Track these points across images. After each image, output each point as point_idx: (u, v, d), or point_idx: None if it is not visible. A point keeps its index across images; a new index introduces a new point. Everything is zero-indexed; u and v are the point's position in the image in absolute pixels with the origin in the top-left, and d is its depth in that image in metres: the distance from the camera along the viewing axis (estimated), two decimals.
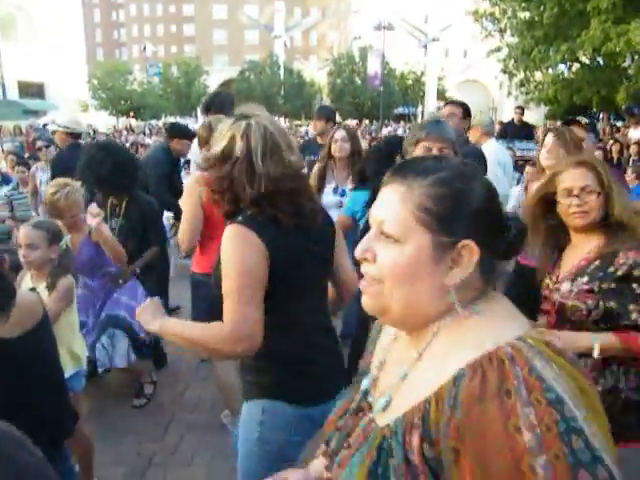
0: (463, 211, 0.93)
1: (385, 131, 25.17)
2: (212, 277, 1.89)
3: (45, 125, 19.06)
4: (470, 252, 0.93)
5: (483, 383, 0.83)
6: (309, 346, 1.93)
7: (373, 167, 3.60)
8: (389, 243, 0.96)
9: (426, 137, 2.61)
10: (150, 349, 4.09)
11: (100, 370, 3.78)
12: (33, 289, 2.60)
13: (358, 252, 1.00)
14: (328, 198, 4.43)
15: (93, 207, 3.52)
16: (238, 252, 1.75)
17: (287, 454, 1.94)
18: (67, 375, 2.91)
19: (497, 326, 0.93)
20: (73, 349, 3.01)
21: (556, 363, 0.84)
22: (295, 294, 1.86)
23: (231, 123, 1.84)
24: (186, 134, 5.45)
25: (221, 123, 1.90)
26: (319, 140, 5.48)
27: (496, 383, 0.82)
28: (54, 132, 6.01)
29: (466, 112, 4.25)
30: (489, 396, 0.82)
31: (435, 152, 2.55)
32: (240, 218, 1.80)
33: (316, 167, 4.58)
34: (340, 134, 4.42)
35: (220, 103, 4.32)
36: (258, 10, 68.42)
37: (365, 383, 1.13)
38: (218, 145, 1.83)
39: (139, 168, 4.14)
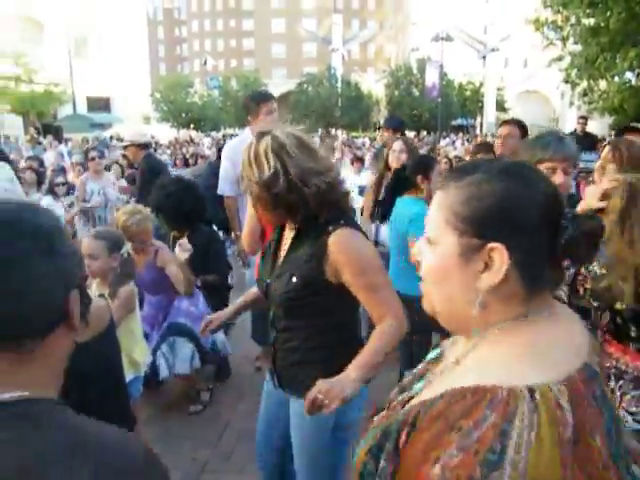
0: (493, 213, 0.90)
1: (443, 142, 24.89)
2: (307, 284, 1.96)
3: (111, 137, 19.76)
4: (500, 255, 0.88)
5: (447, 408, 0.83)
6: (359, 329, 2.18)
7: (386, 196, 3.78)
8: (429, 246, 0.99)
9: (551, 157, 2.40)
10: (214, 355, 4.14)
11: (163, 377, 3.85)
12: (102, 295, 2.67)
13: (415, 254, 1.04)
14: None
15: (185, 242, 3.76)
16: (363, 251, 1.95)
17: (354, 433, 2.04)
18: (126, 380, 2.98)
19: (520, 360, 0.88)
20: (133, 355, 3.08)
21: (540, 434, 0.77)
22: None
23: (253, 147, 1.95)
24: None
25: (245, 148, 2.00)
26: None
27: (456, 415, 0.82)
28: (125, 148, 6.18)
29: (523, 130, 4.13)
30: (441, 419, 0.83)
31: (559, 172, 2.38)
32: (342, 221, 1.95)
33: (372, 180, 4.70)
34: (398, 145, 4.45)
35: None
36: (316, 23, 69.15)
37: (429, 356, 1.15)
38: (253, 171, 1.93)
39: (202, 205, 4.24)
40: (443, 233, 0.95)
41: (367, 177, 6.76)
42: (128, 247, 3.15)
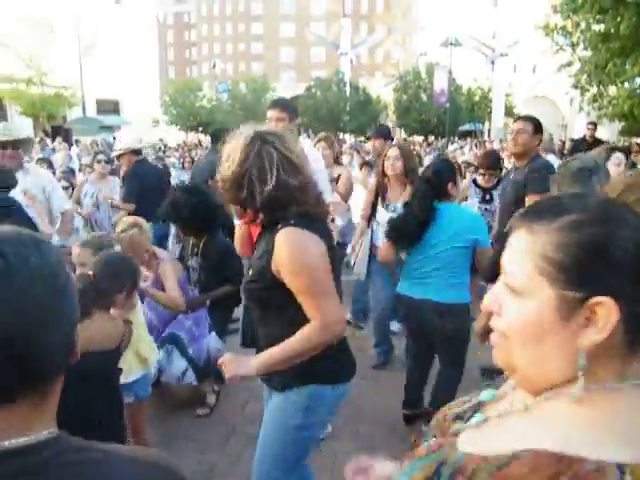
0: (597, 261, 0.78)
1: (451, 147, 24.83)
2: (257, 280, 2.03)
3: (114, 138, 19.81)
4: (607, 311, 0.77)
5: (522, 475, 0.75)
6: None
7: (420, 201, 3.50)
8: (513, 296, 0.86)
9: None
10: (209, 369, 4.09)
11: (169, 381, 3.87)
12: (127, 321, 2.64)
13: (487, 303, 0.92)
14: (380, 214, 4.53)
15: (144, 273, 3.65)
16: (302, 251, 1.92)
17: (317, 433, 2.25)
18: (133, 378, 2.98)
19: (610, 431, 0.77)
20: (140, 352, 3.06)
21: None
22: (336, 285, 2.03)
23: (237, 145, 1.97)
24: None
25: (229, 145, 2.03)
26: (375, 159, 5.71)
27: None
28: (119, 157, 6.14)
29: (537, 127, 4.14)
30: None
31: None
32: (291, 220, 1.93)
33: (371, 184, 4.74)
34: (393, 152, 4.43)
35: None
36: (325, 28, 69.33)
37: (484, 395, 1.03)
38: (224, 166, 1.97)
39: (218, 211, 4.23)
40: (536, 284, 0.83)
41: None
42: (117, 250, 3.17)
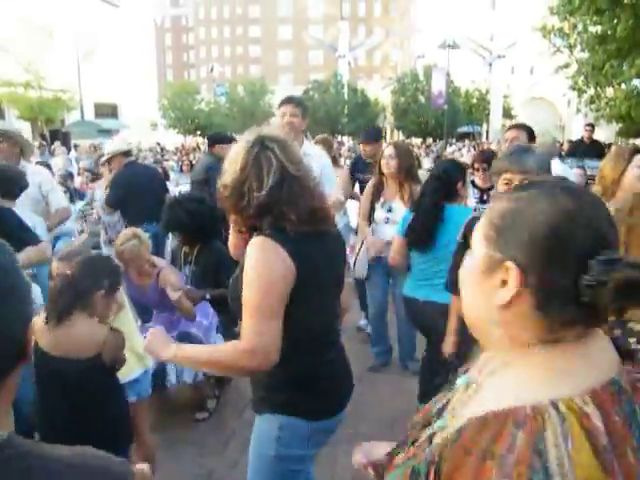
0: (518, 230, 0.87)
1: (450, 150, 24.87)
2: (229, 288, 1.91)
3: None
4: (513, 275, 0.86)
5: (474, 437, 0.81)
6: (320, 364, 1.93)
7: (430, 199, 3.53)
8: (469, 251, 1.00)
9: (507, 169, 2.50)
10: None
11: (168, 385, 3.87)
12: (113, 329, 2.61)
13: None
14: (378, 213, 4.57)
15: (174, 281, 3.72)
16: (264, 265, 1.73)
17: (301, 467, 2.00)
18: (133, 377, 3.01)
19: (538, 378, 0.85)
20: (136, 349, 3.06)
21: (576, 445, 0.75)
22: (312, 310, 1.84)
23: (238, 150, 1.86)
24: (225, 139, 6.35)
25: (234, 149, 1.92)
26: (369, 161, 5.66)
27: (486, 441, 0.79)
28: (110, 160, 6.04)
29: (530, 135, 4.13)
30: (474, 451, 0.80)
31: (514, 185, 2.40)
32: (267, 230, 1.79)
33: (369, 183, 4.73)
34: (388, 151, 4.45)
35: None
36: (322, 30, 69.41)
37: (458, 382, 1.07)
38: (231, 174, 1.84)
39: (217, 219, 4.20)
40: (478, 241, 0.95)
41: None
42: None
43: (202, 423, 4.02)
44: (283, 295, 1.74)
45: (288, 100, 4.05)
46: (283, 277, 1.73)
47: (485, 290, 0.92)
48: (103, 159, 6.26)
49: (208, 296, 4.07)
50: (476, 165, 5.55)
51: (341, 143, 33.76)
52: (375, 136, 5.73)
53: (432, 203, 3.51)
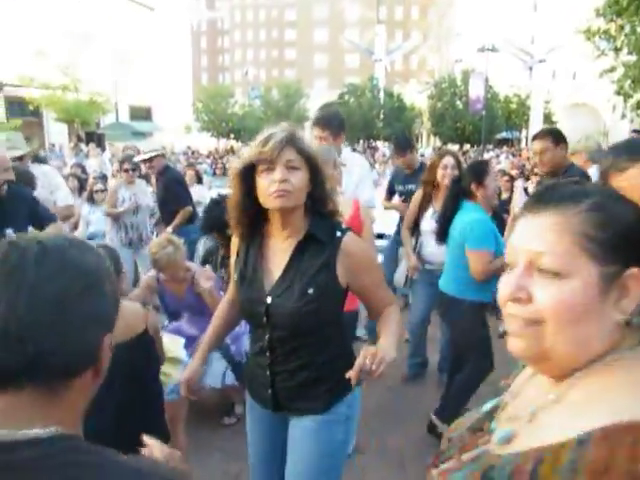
0: (623, 236, 0.85)
1: (487, 156, 24.60)
2: (317, 298, 1.96)
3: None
4: (637, 281, 0.84)
5: (610, 459, 0.74)
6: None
7: (446, 200, 3.86)
8: (548, 279, 0.87)
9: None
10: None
11: (200, 388, 3.86)
12: (145, 304, 2.72)
13: (508, 292, 0.91)
14: (426, 223, 4.52)
15: (208, 271, 3.82)
16: (370, 250, 2.21)
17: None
18: (176, 381, 3.03)
19: (629, 389, 0.81)
20: (169, 352, 3.08)
21: None
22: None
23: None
24: None
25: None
26: (407, 171, 5.69)
27: (625, 462, 0.73)
28: (152, 159, 6.22)
29: (556, 138, 3.98)
30: (614, 475, 0.73)
31: None
32: (344, 227, 2.07)
33: (418, 193, 4.69)
34: (449, 161, 4.45)
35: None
36: (359, 34, 69.56)
37: (489, 405, 1.06)
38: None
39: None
40: (577, 263, 0.85)
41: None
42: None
43: (229, 428, 4.01)
44: None
45: (315, 122, 3.96)
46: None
47: (604, 313, 0.85)
48: (142, 157, 6.37)
49: None
50: (536, 170, 5.46)
51: (375, 148, 33.71)
52: (405, 146, 5.67)
53: (447, 201, 3.84)
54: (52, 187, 4.98)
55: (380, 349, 1.77)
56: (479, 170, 3.69)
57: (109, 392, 2.25)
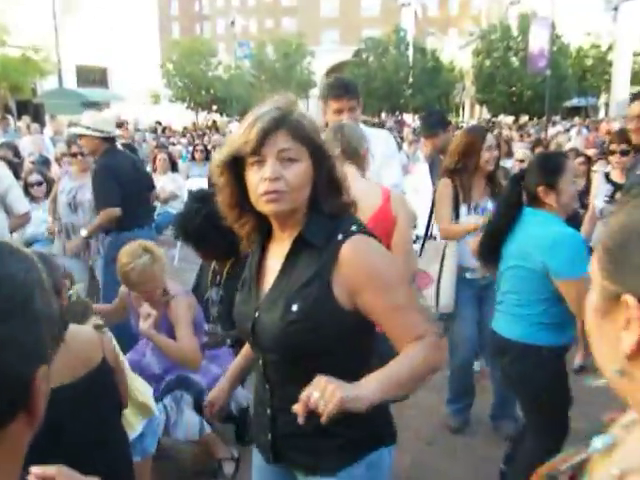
0: (633, 252, 0.87)
1: (553, 131, 24.53)
2: (304, 318, 1.97)
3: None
4: (634, 314, 0.86)
5: None
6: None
7: (500, 209, 3.68)
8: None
9: None
10: (238, 410, 4.21)
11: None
12: (99, 326, 2.73)
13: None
14: (469, 219, 4.55)
15: (145, 307, 3.68)
16: (384, 261, 2.03)
17: None
18: (137, 434, 3.12)
19: None
20: (136, 397, 3.11)
21: None
22: None
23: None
24: None
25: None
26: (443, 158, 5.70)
27: None
28: (81, 137, 6.18)
29: None
30: None
31: None
32: (354, 227, 2.02)
33: (447, 181, 4.63)
34: (492, 140, 4.54)
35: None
36: None
37: (600, 442, 1.07)
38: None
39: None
40: (594, 269, 0.94)
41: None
42: (79, 288, 3.16)
43: None
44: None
45: (340, 92, 4.01)
46: (397, 262, 2.18)
47: (606, 333, 0.92)
48: (75, 130, 6.34)
49: (229, 342, 4.15)
50: (613, 147, 5.32)
51: (402, 123, 33.70)
52: (434, 123, 5.74)
53: (501, 210, 3.67)
54: (3, 186, 4.96)
55: (340, 384, 1.73)
56: (551, 168, 3.50)
57: (57, 440, 2.30)
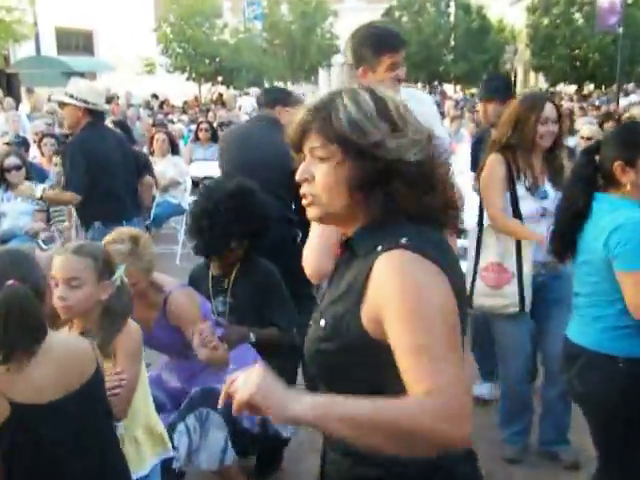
0: None
1: (625, 102, 24.34)
2: (331, 337, 1.96)
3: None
4: None
5: None
6: None
7: (572, 191, 3.59)
8: None
9: None
10: (257, 445, 4.21)
11: (177, 466, 3.85)
12: (83, 333, 2.81)
13: None
14: (527, 204, 4.58)
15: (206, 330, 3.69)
16: (422, 287, 1.84)
17: None
18: (147, 469, 3.16)
19: None
20: (153, 427, 3.19)
21: None
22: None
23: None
24: (289, 98, 5.78)
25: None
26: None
27: None
28: (63, 105, 6.20)
29: None
30: None
31: None
32: (404, 239, 1.88)
33: (498, 157, 4.64)
34: (551, 112, 4.49)
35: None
36: None
37: None
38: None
39: (266, 218, 4.32)
40: None
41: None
42: (122, 271, 3.21)
43: None
44: (457, 325, 1.90)
45: (399, 41, 4.08)
46: (450, 301, 1.88)
47: None
48: (57, 97, 6.38)
49: (253, 338, 4.16)
50: None
51: (442, 94, 33.60)
52: (502, 90, 5.75)
53: (579, 186, 3.56)
54: None
55: (274, 382, 1.75)
56: (633, 141, 3.45)
57: (55, 455, 2.40)
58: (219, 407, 1.75)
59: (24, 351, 2.30)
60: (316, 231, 2.60)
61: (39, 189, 6.12)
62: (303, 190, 1.90)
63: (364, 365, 1.93)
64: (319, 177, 1.89)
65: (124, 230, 3.82)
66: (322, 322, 1.99)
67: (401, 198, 1.91)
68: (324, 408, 1.74)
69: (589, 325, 3.49)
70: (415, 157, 1.88)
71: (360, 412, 1.75)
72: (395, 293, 1.82)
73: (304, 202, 1.94)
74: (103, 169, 5.92)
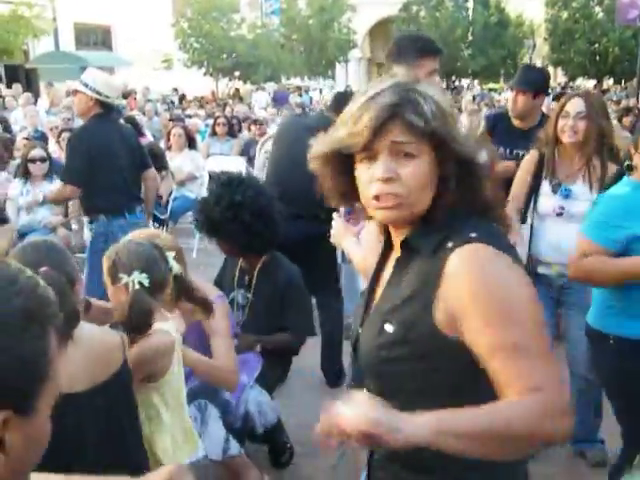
0: None
1: None
2: (402, 341, 1.91)
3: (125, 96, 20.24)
4: None
5: None
6: None
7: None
8: None
9: None
10: (243, 438, 4.21)
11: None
12: (114, 325, 2.91)
13: None
14: (545, 201, 4.59)
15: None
16: (506, 283, 1.85)
17: None
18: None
19: None
20: (185, 425, 3.23)
21: None
22: None
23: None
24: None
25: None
26: (517, 124, 5.71)
27: None
28: (75, 92, 6.23)
29: None
30: None
31: None
32: (473, 234, 1.86)
33: (531, 155, 4.74)
34: (575, 106, 4.43)
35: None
36: None
37: None
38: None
39: (280, 212, 4.34)
40: None
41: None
42: (173, 263, 3.29)
43: None
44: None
45: (436, 46, 4.03)
46: (529, 288, 1.89)
47: None
48: (74, 86, 6.40)
49: (259, 349, 4.21)
50: None
51: (459, 89, 33.47)
52: (539, 82, 5.67)
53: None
54: None
55: (386, 412, 1.66)
56: None
57: (80, 448, 2.43)
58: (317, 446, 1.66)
59: (61, 335, 2.31)
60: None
61: (40, 196, 6.16)
62: (382, 190, 1.81)
63: (442, 368, 1.90)
64: (410, 175, 1.82)
65: (145, 232, 3.80)
66: (388, 327, 1.92)
67: (471, 195, 1.90)
68: (439, 425, 1.68)
69: (593, 304, 3.69)
70: (482, 158, 1.88)
71: (474, 425, 1.72)
72: (478, 289, 1.79)
73: (381, 203, 1.84)
74: (104, 160, 5.96)
